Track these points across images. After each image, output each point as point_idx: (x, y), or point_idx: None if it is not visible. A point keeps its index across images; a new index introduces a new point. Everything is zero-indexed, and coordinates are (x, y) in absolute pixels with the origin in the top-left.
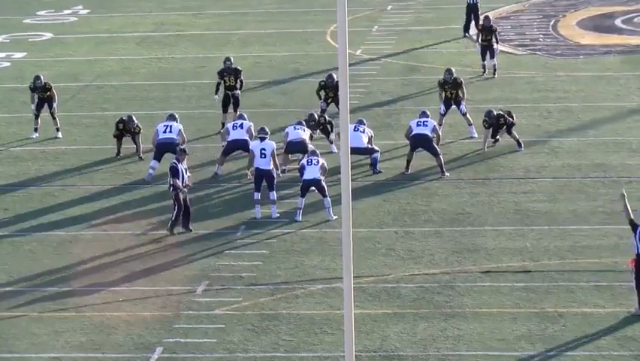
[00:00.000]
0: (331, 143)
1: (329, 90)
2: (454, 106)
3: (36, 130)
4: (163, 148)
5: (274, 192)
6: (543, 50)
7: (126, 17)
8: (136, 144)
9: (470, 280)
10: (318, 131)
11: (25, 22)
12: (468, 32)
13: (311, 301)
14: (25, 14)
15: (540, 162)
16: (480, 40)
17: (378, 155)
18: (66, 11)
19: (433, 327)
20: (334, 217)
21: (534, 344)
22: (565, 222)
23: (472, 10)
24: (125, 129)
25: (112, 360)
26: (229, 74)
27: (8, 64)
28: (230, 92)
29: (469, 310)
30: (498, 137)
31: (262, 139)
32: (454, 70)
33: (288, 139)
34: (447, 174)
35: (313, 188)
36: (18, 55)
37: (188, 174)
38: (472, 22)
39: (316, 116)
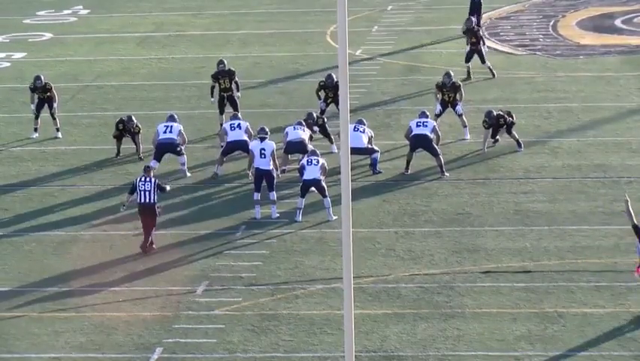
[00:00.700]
0: (332, 143)
1: (329, 90)
2: (450, 107)
3: (36, 130)
4: (163, 148)
5: (274, 192)
6: (543, 51)
7: (126, 17)
8: (136, 144)
9: (470, 280)
10: (317, 130)
11: (25, 23)
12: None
13: (311, 302)
14: (25, 14)
15: (540, 162)
16: (469, 43)
17: (378, 155)
18: (66, 11)
19: (432, 327)
20: (334, 217)
21: (534, 344)
22: (565, 223)
23: (475, 8)
24: (124, 130)
25: (112, 360)
26: (223, 77)
27: (8, 64)
28: (225, 94)
29: (469, 311)
30: (498, 137)
31: (262, 139)
32: (452, 73)
33: (288, 139)
34: (447, 174)
35: (313, 188)
36: (18, 55)
37: (165, 188)
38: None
39: (315, 116)
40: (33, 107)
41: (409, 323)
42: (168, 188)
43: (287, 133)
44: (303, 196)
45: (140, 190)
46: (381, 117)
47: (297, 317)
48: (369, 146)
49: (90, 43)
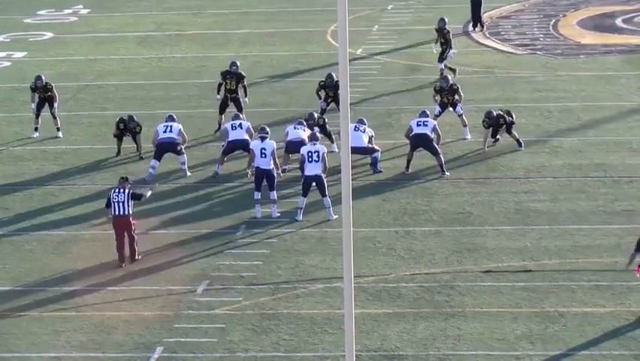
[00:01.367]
0: (332, 142)
1: (329, 90)
2: (449, 107)
3: (36, 130)
4: (163, 148)
5: (274, 191)
6: (543, 50)
7: (126, 17)
8: (136, 143)
9: (471, 279)
10: (317, 130)
11: (25, 22)
12: (475, 27)
13: (311, 301)
14: (26, 14)
15: (540, 161)
16: (438, 43)
17: (378, 154)
18: (66, 11)
19: (433, 327)
20: (335, 217)
21: (534, 343)
22: (565, 222)
23: (475, 6)
24: (125, 129)
25: (112, 360)
26: (230, 78)
27: (9, 63)
28: (229, 95)
29: (470, 310)
30: (498, 136)
31: (263, 139)
32: (450, 77)
33: (288, 139)
34: (447, 173)
35: (314, 185)
36: (18, 54)
37: (141, 194)
38: (479, 18)
39: (316, 116)
40: (33, 106)
41: (410, 323)
42: (149, 193)
43: (287, 133)
44: (305, 195)
45: (113, 202)
46: (381, 117)
47: (298, 317)
48: (370, 145)
49: (90, 43)
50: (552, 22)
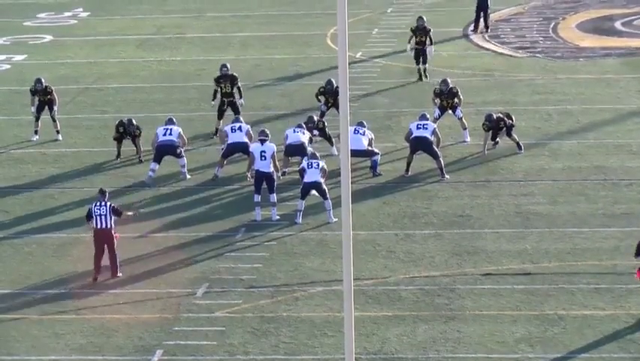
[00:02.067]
0: (332, 145)
1: (329, 96)
2: (449, 110)
3: (36, 132)
4: (163, 150)
5: (274, 194)
6: (543, 53)
7: (126, 20)
8: (136, 146)
9: (470, 282)
10: (317, 133)
11: (25, 25)
12: (476, 30)
13: (311, 304)
14: (26, 17)
15: (540, 164)
16: (414, 42)
17: (378, 157)
18: (66, 14)
19: (433, 330)
20: (334, 220)
21: (534, 346)
22: (565, 225)
23: (481, 9)
24: (125, 132)
25: None
26: (225, 81)
27: (8, 66)
28: (226, 99)
29: (469, 313)
30: (498, 139)
31: (263, 141)
32: (449, 80)
33: (288, 142)
34: (447, 176)
35: (314, 191)
36: (18, 57)
37: (121, 212)
38: (482, 21)
39: (315, 119)
40: (33, 109)
41: (409, 325)
42: (129, 214)
43: (287, 136)
44: (303, 198)
45: (95, 215)
46: (381, 120)
47: (298, 319)
48: (370, 148)
49: (90, 46)
50: (552, 25)
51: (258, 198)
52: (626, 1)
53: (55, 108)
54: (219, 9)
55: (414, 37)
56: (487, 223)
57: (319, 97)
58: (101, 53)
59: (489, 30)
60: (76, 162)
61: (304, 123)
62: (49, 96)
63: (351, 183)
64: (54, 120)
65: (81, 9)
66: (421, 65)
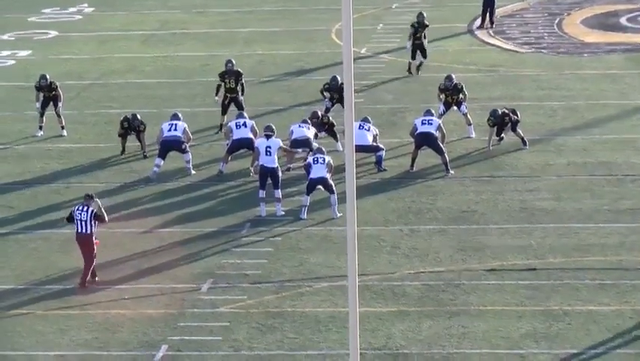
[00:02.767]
0: (337, 141)
1: (333, 93)
2: (454, 106)
3: (41, 128)
4: (168, 146)
5: (279, 189)
6: (548, 48)
7: (131, 15)
8: (140, 142)
9: (475, 278)
10: (324, 134)
11: (30, 20)
12: (483, 25)
13: (316, 299)
14: (30, 12)
15: (545, 160)
16: (412, 37)
17: (383, 153)
18: (71, 9)
19: (437, 325)
20: (339, 215)
21: (539, 342)
22: (570, 220)
23: (488, 4)
24: (129, 128)
25: (117, 358)
26: (230, 77)
27: (13, 62)
28: (229, 96)
29: (474, 308)
30: (503, 135)
31: (268, 137)
32: (454, 76)
33: (293, 137)
34: (452, 172)
35: (320, 186)
36: (23, 53)
37: (104, 218)
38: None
39: (320, 114)
40: (38, 105)
41: (414, 321)
42: (105, 218)
43: (292, 131)
44: (308, 194)
45: (76, 219)
46: (386, 115)
47: (302, 315)
48: (375, 144)
49: (95, 41)
50: (556, 21)
51: (262, 193)
52: None
53: (60, 104)
54: (223, 5)
55: (413, 32)
56: (492, 219)
57: (324, 93)
58: (106, 49)
59: (494, 26)
60: (81, 158)
61: (308, 118)
62: (54, 92)
63: (356, 178)
64: (59, 116)
65: (86, 4)
66: (417, 60)
